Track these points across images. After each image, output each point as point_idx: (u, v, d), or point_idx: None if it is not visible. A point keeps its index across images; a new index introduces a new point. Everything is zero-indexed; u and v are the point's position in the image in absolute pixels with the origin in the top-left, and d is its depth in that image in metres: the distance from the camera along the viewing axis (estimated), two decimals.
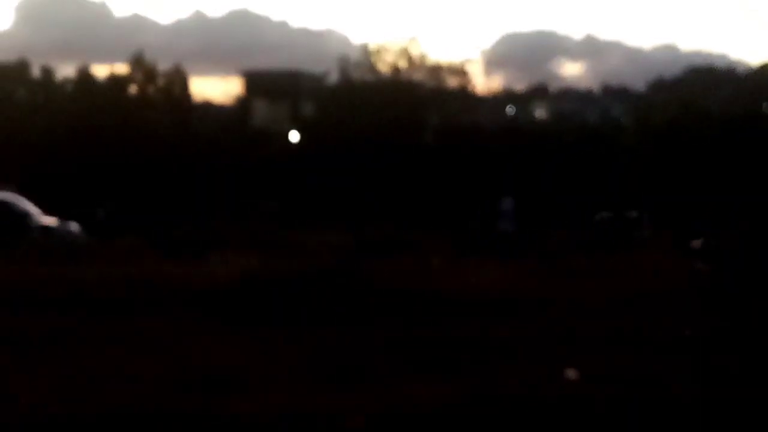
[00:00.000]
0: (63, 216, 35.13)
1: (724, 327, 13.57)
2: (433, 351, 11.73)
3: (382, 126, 69.88)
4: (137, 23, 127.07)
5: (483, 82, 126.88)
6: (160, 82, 73.98)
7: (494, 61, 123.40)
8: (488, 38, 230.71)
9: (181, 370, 10.33)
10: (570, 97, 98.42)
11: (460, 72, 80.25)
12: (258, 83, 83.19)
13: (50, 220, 34.07)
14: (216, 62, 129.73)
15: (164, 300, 16.19)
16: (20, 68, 73.20)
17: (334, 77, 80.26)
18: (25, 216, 33.50)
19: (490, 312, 15.03)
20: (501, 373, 10.18)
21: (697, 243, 31.73)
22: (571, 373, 10.11)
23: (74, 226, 33.47)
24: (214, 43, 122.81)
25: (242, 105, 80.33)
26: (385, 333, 12.97)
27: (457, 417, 8.05)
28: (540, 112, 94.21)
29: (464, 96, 79.59)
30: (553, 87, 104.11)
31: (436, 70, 79.27)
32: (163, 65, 74.57)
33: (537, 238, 31.39)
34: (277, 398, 8.97)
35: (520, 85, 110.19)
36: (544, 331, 13.31)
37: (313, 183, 65.85)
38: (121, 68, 74.47)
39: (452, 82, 79.72)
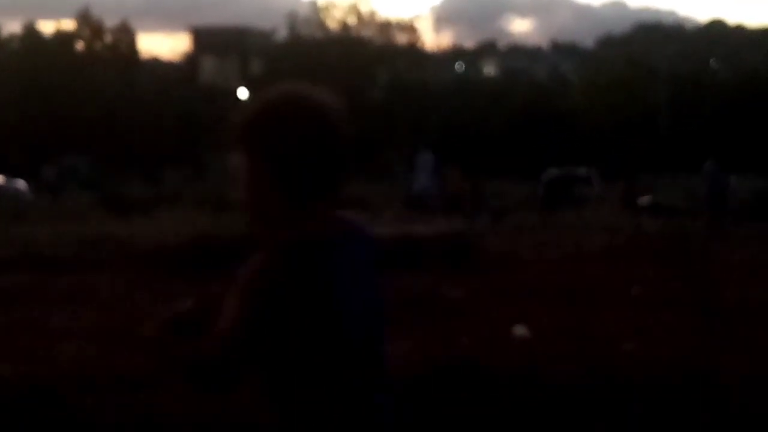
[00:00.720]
0: (9, 174, 34.84)
1: (672, 283, 13.71)
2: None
3: (331, 83, 69.70)
4: None
5: (432, 39, 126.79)
6: (108, 38, 73.43)
7: (444, 17, 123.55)
8: None
9: (132, 327, 10.32)
10: (519, 53, 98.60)
11: (410, 29, 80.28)
12: (206, 39, 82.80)
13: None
14: (163, 18, 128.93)
15: (112, 258, 16.16)
16: None
17: (283, 34, 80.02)
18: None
19: (439, 268, 15.07)
20: (452, 330, 10.25)
21: (644, 200, 32.05)
22: (521, 330, 10.20)
23: (21, 184, 33.21)
24: None
25: (190, 61, 79.88)
26: None
27: (410, 377, 8.10)
28: (489, 69, 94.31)
29: (413, 53, 79.55)
30: (502, 44, 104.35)
31: (386, 27, 79.22)
32: (111, 21, 74.10)
33: (477, 196, 31.19)
34: None
35: (469, 42, 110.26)
36: (492, 287, 13.39)
37: None
38: (68, 24, 73.88)
39: (401, 38, 79.70)
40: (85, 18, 72.63)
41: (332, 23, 78.77)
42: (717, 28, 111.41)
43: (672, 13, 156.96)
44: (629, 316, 11.27)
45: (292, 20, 78.39)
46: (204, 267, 14.74)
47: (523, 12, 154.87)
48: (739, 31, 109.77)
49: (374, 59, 76.47)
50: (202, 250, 16.05)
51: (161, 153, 61.43)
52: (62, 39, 72.45)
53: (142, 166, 55.28)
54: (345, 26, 78.59)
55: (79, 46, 73.30)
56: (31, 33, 72.85)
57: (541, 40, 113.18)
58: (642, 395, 7.60)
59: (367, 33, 78.77)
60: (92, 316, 10.88)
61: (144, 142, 63.83)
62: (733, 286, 13.20)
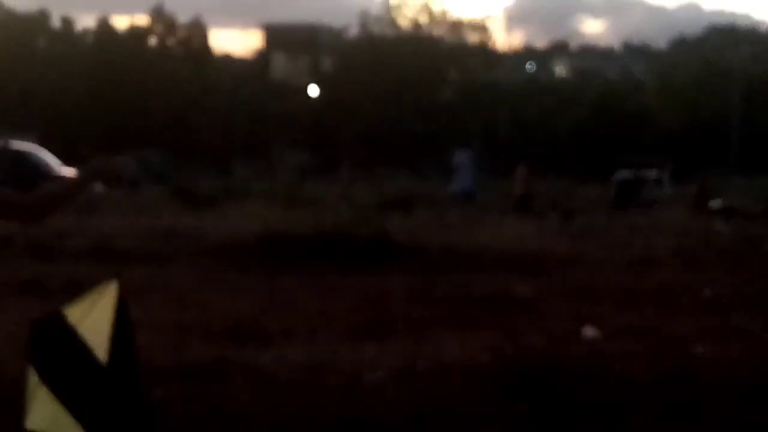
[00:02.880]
0: (82, 167, 35.16)
1: (743, 286, 13.57)
2: (455, 306, 11.77)
3: (402, 82, 69.72)
4: None
5: (504, 39, 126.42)
6: (181, 34, 73.95)
7: (515, 17, 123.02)
8: None
9: (203, 320, 10.40)
10: (591, 54, 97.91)
11: (481, 28, 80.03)
12: (278, 36, 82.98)
13: (69, 171, 34.11)
14: (236, 15, 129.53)
15: (183, 251, 16.26)
16: (41, 19, 73.19)
17: (354, 32, 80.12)
18: (43, 166, 33.52)
19: (510, 269, 15.04)
20: (522, 329, 10.21)
21: (716, 203, 31.71)
22: (591, 331, 10.14)
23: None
24: None
25: (262, 58, 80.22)
26: (405, 287, 13.01)
27: (479, 372, 8.08)
28: (560, 69, 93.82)
29: (485, 52, 79.32)
30: (574, 44, 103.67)
31: (457, 26, 79.05)
32: (184, 17, 74.60)
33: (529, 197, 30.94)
34: (297, 350, 9.02)
35: (541, 42, 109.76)
36: (564, 288, 13.33)
37: (334, 137, 65.84)
38: (142, 20, 74.51)
39: (473, 38, 79.47)
40: (158, 14, 73.22)
41: (404, 22, 78.76)
42: None
43: (747, 16, 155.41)
44: (700, 318, 11.15)
45: (364, 18, 78.53)
46: (273, 261, 14.82)
47: (595, 12, 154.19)
48: None
49: (445, 58, 76.33)
50: (272, 244, 16.13)
51: (232, 148, 61.79)
52: (135, 34, 73.05)
53: (214, 160, 55.61)
54: (416, 25, 78.52)
55: (152, 41, 73.89)
56: (104, 28, 73.53)
57: (614, 41, 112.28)
58: (712, 396, 7.52)
59: (438, 32, 78.65)
60: (163, 309, 10.93)
61: (215, 136, 64.26)
62: None
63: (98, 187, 33.06)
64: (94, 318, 4.33)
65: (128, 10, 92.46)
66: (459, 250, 16.73)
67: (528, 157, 37.19)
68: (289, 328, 10.06)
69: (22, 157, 33.32)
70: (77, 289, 12.10)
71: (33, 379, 4.18)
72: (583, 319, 10.65)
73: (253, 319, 10.54)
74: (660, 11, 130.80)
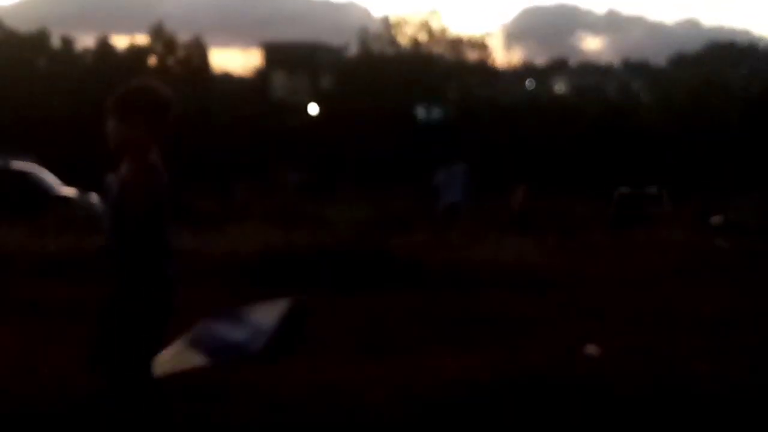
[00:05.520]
0: (83, 187, 35.11)
1: (744, 303, 13.57)
2: (455, 325, 11.77)
3: (402, 99, 69.79)
4: None
5: (503, 56, 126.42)
6: (180, 53, 74.03)
7: (515, 34, 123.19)
8: (509, 11, 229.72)
9: None
10: (590, 71, 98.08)
11: (481, 45, 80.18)
12: (277, 55, 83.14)
13: (70, 191, 34.09)
14: (236, 34, 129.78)
15: (182, 270, 16.23)
16: (40, 38, 73.25)
17: (354, 50, 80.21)
18: (44, 187, 33.51)
19: (510, 286, 15.04)
20: (522, 347, 10.22)
21: (717, 219, 31.74)
22: (592, 349, 10.13)
23: (94, 197, 33.45)
24: (234, 14, 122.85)
25: (261, 77, 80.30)
26: (406, 306, 13.01)
27: (479, 391, 8.09)
28: (560, 87, 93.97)
29: (484, 69, 79.45)
30: (574, 61, 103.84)
31: (457, 44, 79.16)
32: (183, 36, 74.68)
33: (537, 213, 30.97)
34: (299, 369, 9.03)
35: (540, 60, 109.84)
36: (564, 306, 13.33)
37: (334, 155, 65.84)
38: (141, 39, 74.58)
39: (472, 55, 79.60)
40: (158, 33, 73.31)
41: (403, 39, 78.88)
42: None
43: (746, 33, 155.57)
44: (701, 336, 11.15)
45: (364, 36, 78.61)
46: (273, 281, 14.82)
47: (595, 30, 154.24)
48: None
49: (445, 76, 76.43)
50: (272, 263, 16.13)
51: (232, 166, 61.78)
52: (135, 53, 73.13)
53: (213, 179, 55.62)
54: (416, 43, 78.65)
55: (152, 60, 73.96)
56: (104, 47, 73.62)
57: (613, 58, 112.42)
58: (713, 415, 7.52)
59: (438, 49, 78.77)
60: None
61: (215, 156, 64.24)
62: None
63: (97, 202, 33.07)
64: None
65: (128, 29, 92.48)
66: (459, 268, 16.73)
67: (527, 173, 37.19)
68: None
69: (23, 178, 33.32)
70: (80, 309, 12.05)
71: None
72: (583, 338, 10.65)
73: None
74: (659, 28, 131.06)
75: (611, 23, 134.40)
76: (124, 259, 5.18)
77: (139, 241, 5.15)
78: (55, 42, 74.33)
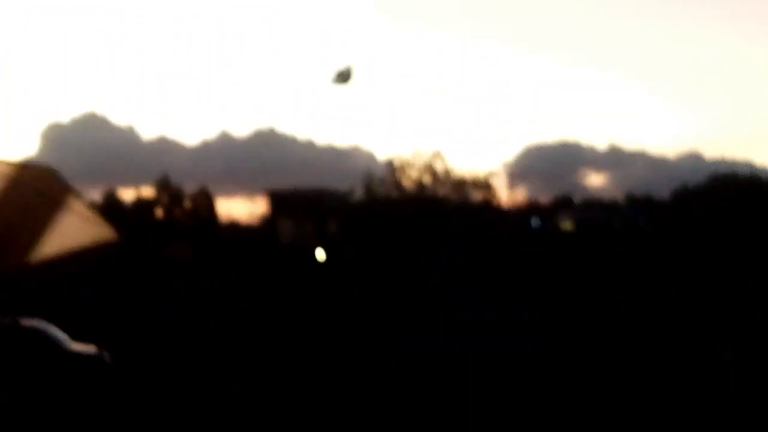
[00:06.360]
0: (93, 341, 34.83)
1: None
2: None
3: (407, 241, 69.94)
4: (163, 145, 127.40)
5: (507, 195, 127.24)
6: (187, 204, 74.59)
7: (518, 173, 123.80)
8: (511, 149, 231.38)
9: None
10: (595, 208, 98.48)
11: (485, 185, 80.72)
12: (283, 202, 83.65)
13: (80, 347, 33.70)
14: (242, 182, 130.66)
15: None
16: None
17: (359, 194, 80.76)
18: (55, 345, 33.10)
19: None
20: None
21: None
22: None
23: (106, 354, 33.23)
24: (240, 163, 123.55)
25: (268, 224, 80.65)
26: None
27: None
28: (565, 224, 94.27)
29: (489, 210, 79.86)
30: (578, 198, 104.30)
31: (461, 185, 79.72)
32: (190, 186, 75.35)
33: None
34: None
35: (544, 197, 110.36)
36: None
37: (344, 298, 65.75)
38: (148, 191, 75.19)
39: (477, 195, 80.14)
40: (164, 185, 73.99)
41: (408, 182, 79.49)
42: None
43: (747, 164, 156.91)
44: None
45: (368, 180, 79.24)
46: None
47: (598, 165, 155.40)
48: None
49: (450, 217, 76.81)
50: None
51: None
52: (142, 206, 73.70)
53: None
54: (420, 185, 79.24)
55: (159, 212, 74.50)
56: (111, 201, 74.25)
57: (618, 193, 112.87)
58: None
59: (442, 191, 79.31)
60: None
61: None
62: None
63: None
64: None
65: (135, 182, 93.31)
66: None
67: None
68: None
69: (33, 336, 33.10)
70: None
71: None
72: None
73: None
74: (662, 162, 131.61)
75: (613, 159, 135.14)
76: None
77: None
78: None
